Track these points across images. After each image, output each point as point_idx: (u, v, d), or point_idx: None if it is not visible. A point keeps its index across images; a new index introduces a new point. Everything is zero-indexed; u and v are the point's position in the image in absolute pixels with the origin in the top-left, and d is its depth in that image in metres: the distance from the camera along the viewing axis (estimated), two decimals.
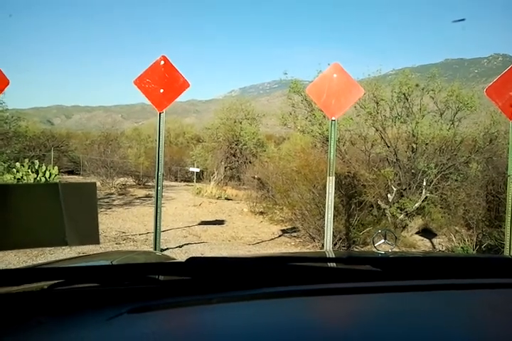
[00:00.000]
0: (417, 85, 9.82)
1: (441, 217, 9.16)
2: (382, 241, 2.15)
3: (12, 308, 0.80)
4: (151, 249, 6.27)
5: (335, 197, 6.04)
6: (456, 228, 8.36)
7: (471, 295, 0.91)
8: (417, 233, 9.54)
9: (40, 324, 0.76)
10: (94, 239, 0.85)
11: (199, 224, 9.94)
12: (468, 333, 0.71)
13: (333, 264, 1.24)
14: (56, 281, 0.86)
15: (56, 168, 11.67)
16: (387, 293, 0.90)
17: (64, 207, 0.81)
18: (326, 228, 5.85)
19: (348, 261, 1.24)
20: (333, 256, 1.59)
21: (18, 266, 5.09)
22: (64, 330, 0.74)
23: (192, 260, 0.95)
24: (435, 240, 8.94)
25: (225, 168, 19.30)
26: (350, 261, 1.23)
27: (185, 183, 20.69)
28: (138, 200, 13.23)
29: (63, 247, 5.13)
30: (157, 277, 0.95)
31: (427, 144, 9.76)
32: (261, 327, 0.73)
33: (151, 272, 0.97)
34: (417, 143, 9.86)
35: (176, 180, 22.43)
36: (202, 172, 18.86)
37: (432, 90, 9.95)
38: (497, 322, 0.76)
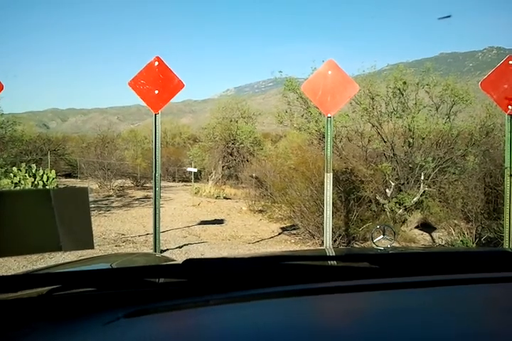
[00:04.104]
0: (404, 83, 9.79)
1: (440, 210, 9.17)
2: (381, 236, 2.15)
3: (8, 315, 0.80)
4: (151, 251, 6.26)
5: (333, 194, 6.04)
6: (455, 221, 8.37)
7: (471, 290, 0.91)
8: (416, 227, 9.56)
9: (37, 330, 0.75)
10: (89, 244, 0.84)
11: (198, 223, 9.94)
12: (469, 328, 0.71)
13: (331, 262, 1.23)
14: (53, 287, 0.85)
15: (53, 171, 11.66)
16: (386, 291, 0.89)
17: (57, 212, 0.80)
18: (325, 225, 5.85)
19: (347, 258, 1.24)
20: (332, 253, 1.59)
21: (17, 271, 5.08)
22: (60, 336, 0.74)
23: (189, 261, 0.94)
24: (434, 234, 8.95)
25: (223, 167, 19.30)
26: (349, 258, 1.22)
27: (183, 183, 20.69)
28: (136, 202, 13.22)
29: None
30: (154, 280, 0.95)
31: (423, 138, 9.76)
32: (260, 328, 0.72)
33: (147, 275, 0.96)
34: (413, 138, 9.86)
35: (174, 181, 22.42)
36: (200, 172, 18.84)
37: (427, 85, 9.95)
38: (498, 317, 0.76)
